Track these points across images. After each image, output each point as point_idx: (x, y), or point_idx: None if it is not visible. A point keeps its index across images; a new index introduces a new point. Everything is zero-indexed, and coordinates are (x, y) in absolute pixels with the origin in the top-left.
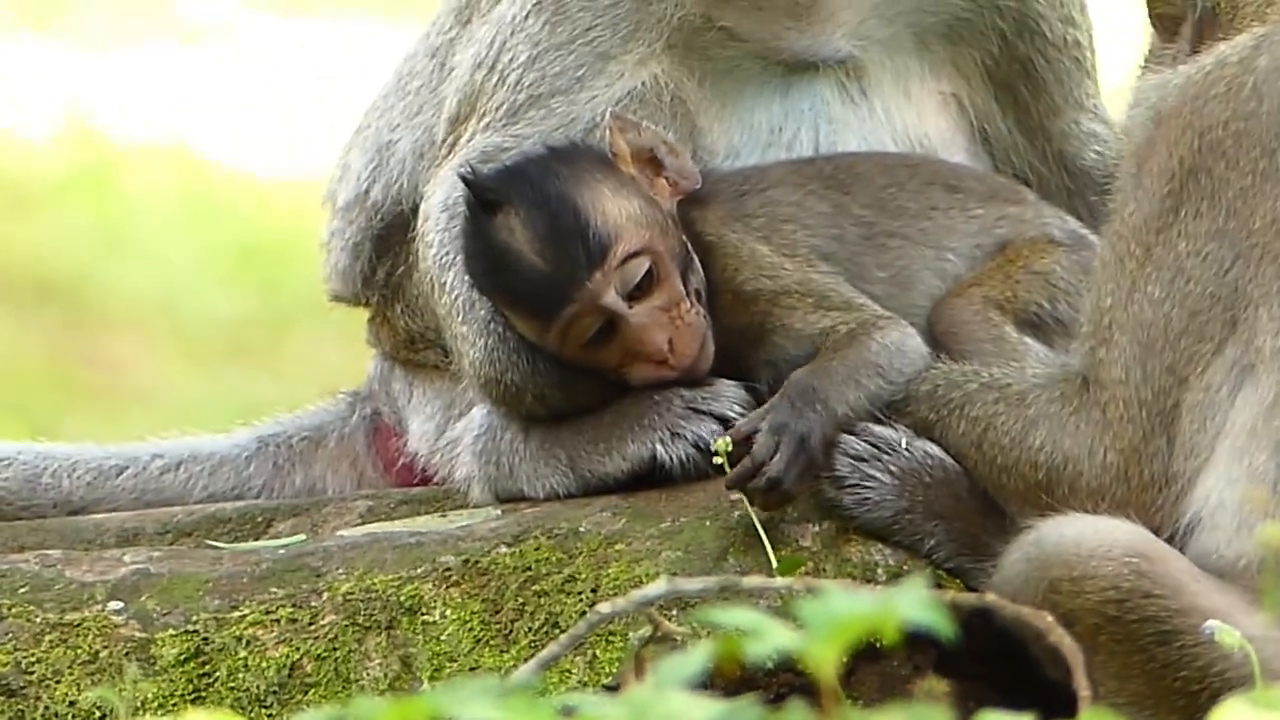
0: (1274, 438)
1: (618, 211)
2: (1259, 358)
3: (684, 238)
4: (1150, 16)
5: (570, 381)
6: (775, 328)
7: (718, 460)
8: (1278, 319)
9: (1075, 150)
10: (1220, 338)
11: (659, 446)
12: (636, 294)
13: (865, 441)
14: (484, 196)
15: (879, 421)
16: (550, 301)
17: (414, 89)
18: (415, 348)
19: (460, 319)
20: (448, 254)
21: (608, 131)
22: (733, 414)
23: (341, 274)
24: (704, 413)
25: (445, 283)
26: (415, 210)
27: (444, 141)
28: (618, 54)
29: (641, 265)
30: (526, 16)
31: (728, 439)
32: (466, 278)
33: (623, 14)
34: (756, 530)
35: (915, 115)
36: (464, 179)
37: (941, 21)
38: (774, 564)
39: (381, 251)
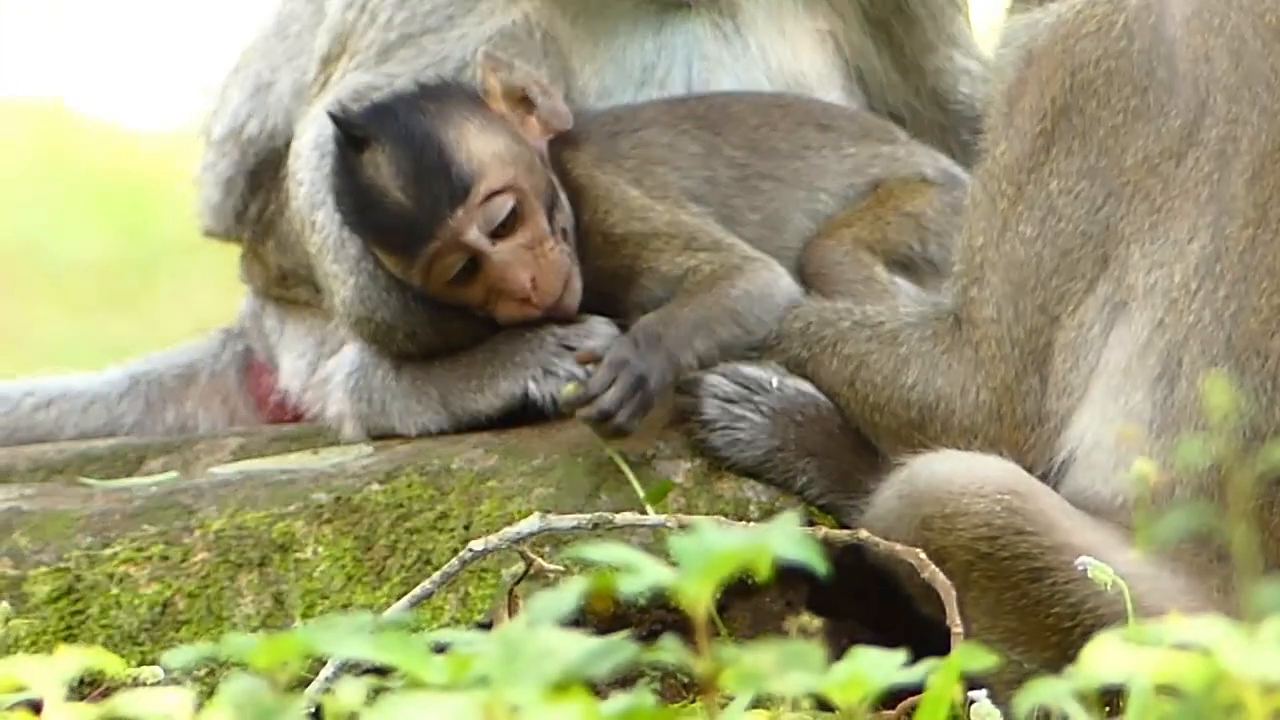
0: (1148, 375)
1: (483, 149)
2: (1131, 295)
3: (552, 177)
4: None
5: (442, 319)
6: (644, 270)
7: (567, 392)
8: (1150, 256)
9: (949, 87)
10: (1092, 276)
11: (531, 384)
12: (500, 232)
13: (734, 382)
14: (352, 133)
15: (749, 361)
16: (413, 238)
17: (293, 32)
18: (287, 284)
19: (331, 257)
20: (318, 192)
21: (479, 69)
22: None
23: (214, 209)
24: (576, 350)
25: (316, 221)
26: (289, 147)
27: (316, 80)
28: None
29: (505, 203)
30: None
31: (575, 384)
32: (337, 216)
33: None
34: (621, 466)
35: (790, 53)
36: (333, 116)
37: None
38: (640, 494)
39: (254, 187)
